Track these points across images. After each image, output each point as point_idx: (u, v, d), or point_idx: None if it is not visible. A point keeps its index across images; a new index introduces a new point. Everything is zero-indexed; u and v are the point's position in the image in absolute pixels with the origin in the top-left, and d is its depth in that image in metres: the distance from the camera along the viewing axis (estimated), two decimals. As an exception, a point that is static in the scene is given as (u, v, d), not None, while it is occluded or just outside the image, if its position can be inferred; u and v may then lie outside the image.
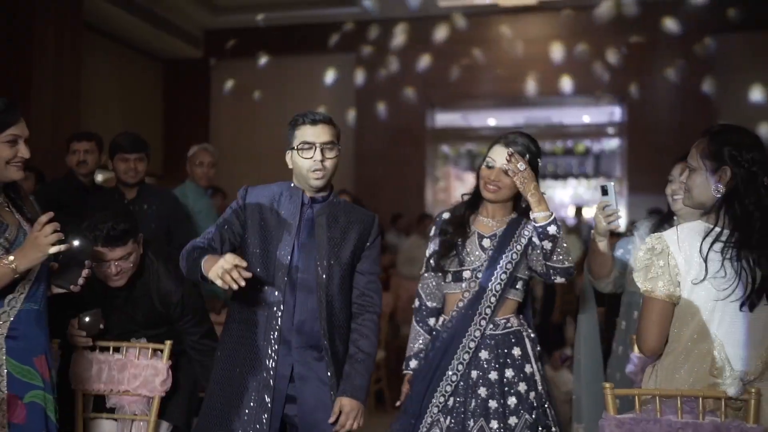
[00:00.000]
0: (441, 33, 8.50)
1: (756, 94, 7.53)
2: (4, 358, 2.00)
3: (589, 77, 8.24)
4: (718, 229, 1.87)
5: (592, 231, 2.52)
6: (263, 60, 9.10)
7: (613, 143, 9.97)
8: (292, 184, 2.34)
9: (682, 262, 1.87)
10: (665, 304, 1.89)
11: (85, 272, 2.11)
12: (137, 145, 3.62)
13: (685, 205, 2.06)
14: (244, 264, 1.99)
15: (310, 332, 2.24)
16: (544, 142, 10.72)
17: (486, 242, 2.39)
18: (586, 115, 10.00)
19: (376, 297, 2.34)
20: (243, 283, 1.98)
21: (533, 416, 2.26)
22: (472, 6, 8.13)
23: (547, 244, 2.21)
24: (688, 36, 7.82)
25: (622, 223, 5.68)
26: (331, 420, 2.22)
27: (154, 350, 2.50)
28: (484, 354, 2.31)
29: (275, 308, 2.23)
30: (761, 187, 1.86)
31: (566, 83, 8.36)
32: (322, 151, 2.25)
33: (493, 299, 2.32)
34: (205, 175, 4.37)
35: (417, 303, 2.49)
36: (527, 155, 2.33)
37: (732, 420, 1.76)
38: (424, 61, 8.59)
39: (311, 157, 2.24)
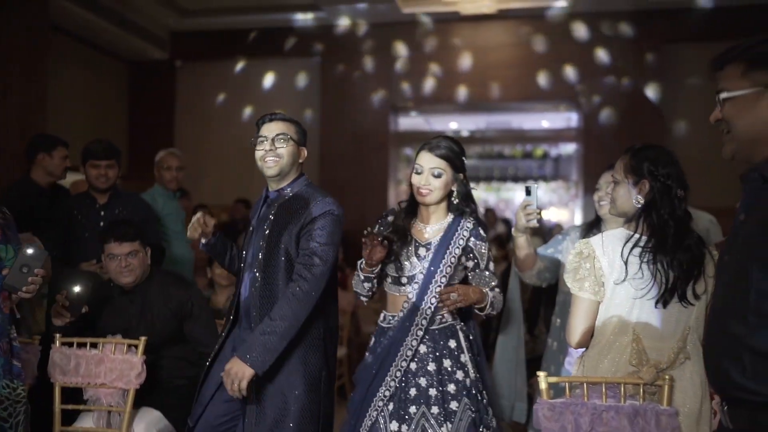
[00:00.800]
0: (404, 39, 8.68)
1: (703, 103, 7.87)
2: None
3: (548, 84, 8.48)
4: (637, 236, 2.13)
5: (513, 228, 2.81)
6: (228, 62, 9.16)
7: (570, 148, 10.25)
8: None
9: (606, 265, 2.11)
10: (591, 302, 2.13)
11: (32, 279, 2.21)
12: (108, 152, 3.74)
13: (611, 214, 2.32)
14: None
15: (247, 311, 2.51)
16: (504, 146, 11.00)
17: (422, 251, 2.53)
18: (545, 121, 10.25)
19: (303, 269, 2.40)
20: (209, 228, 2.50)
21: (469, 400, 2.43)
22: (434, 13, 8.32)
23: (484, 314, 2.51)
24: (641, 46, 8.10)
25: (578, 221, 5.96)
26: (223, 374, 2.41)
27: (129, 345, 2.66)
28: (423, 348, 2.48)
29: (234, 290, 2.59)
30: (675, 199, 2.12)
31: (526, 89, 8.58)
32: (272, 141, 2.49)
33: (429, 311, 2.48)
34: (174, 179, 4.49)
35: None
36: (452, 157, 2.51)
37: (648, 402, 1.99)
38: (388, 66, 8.74)
39: (263, 148, 2.50)
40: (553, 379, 2.14)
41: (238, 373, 2.31)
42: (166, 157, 4.55)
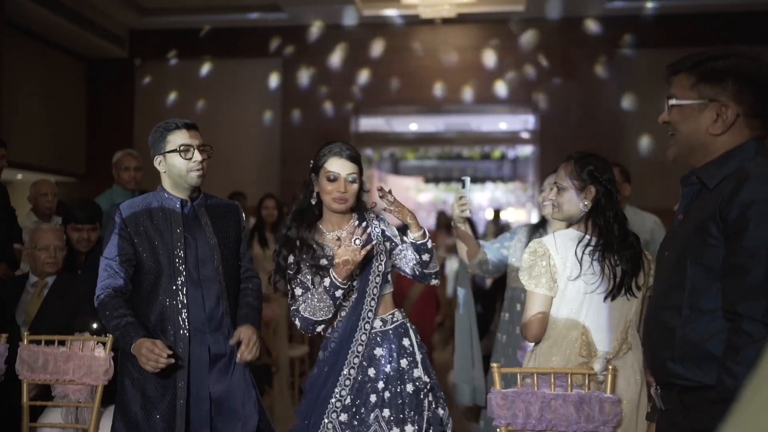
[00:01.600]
0: (365, 41, 8.78)
1: (655, 108, 8.12)
2: None
3: (505, 86, 8.65)
4: (588, 237, 2.29)
5: (453, 220, 2.99)
6: (188, 62, 9.13)
7: (527, 149, 10.46)
8: (163, 192, 2.56)
9: (559, 263, 2.27)
10: (546, 297, 2.28)
11: None
12: (92, 216, 3.76)
13: (555, 218, 2.49)
14: (166, 353, 2.31)
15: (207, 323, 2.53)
16: (463, 147, 11.17)
17: None
18: (503, 123, 10.44)
19: (253, 269, 2.74)
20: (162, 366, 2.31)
21: (430, 396, 2.42)
22: (394, 16, 8.44)
23: (426, 256, 2.44)
24: (597, 51, 8.32)
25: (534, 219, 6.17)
26: (233, 342, 2.50)
27: (97, 342, 2.72)
28: (378, 351, 2.40)
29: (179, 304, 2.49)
30: (615, 202, 2.30)
31: (484, 92, 8.73)
32: (199, 151, 2.52)
33: (372, 303, 2.41)
34: (133, 179, 4.51)
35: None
36: (359, 159, 2.51)
37: (593, 391, 2.14)
38: (349, 68, 8.82)
39: (191, 158, 2.50)
40: (506, 370, 2.27)
41: (255, 333, 2.51)
42: (124, 158, 4.59)
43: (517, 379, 2.23)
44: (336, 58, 8.82)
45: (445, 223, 9.00)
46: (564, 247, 2.29)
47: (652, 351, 1.75)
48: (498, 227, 8.99)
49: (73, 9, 8.08)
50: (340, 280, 2.33)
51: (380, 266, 2.44)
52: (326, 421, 2.34)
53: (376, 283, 2.42)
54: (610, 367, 2.17)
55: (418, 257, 2.44)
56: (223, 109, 8.93)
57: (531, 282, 2.30)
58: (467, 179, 2.95)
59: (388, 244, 2.50)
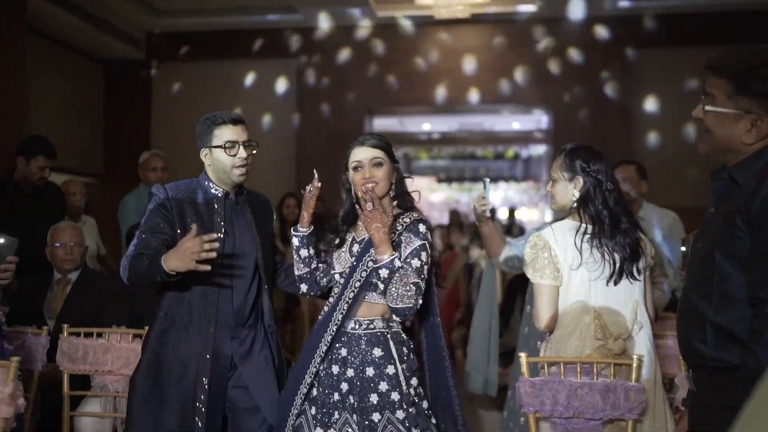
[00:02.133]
0: (380, 41, 8.85)
1: (669, 106, 8.14)
2: None
3: (519, 86, 8.70)
4: (584, 225, 2.40)
5: (477, 220, 3.07)
6: (204, 63, 9.22)
7: (540, 149, 10.52)
8: (207, 182, 2.54)
9: (560, 253, 2.37)
10: (552, 287, 2.38)
11: (4, 266, 2.34)
12: None
13: (552, 209, 2.60)
14: (211, 236, 2.18)
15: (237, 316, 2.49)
16: (476, 147, 11.24)
17: (355, 247, 2.41)
18: (516, 122, 10.50)
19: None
20: (214, 255, 2.17)
21: (397, 415, 2.26)
22: (409, 17, 8.51)
23: (377, 281, 2.27)
24: (609, 50, 8.36)
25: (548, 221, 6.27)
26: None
27: (134, 335, 2.81)
28: (343, 351, 2.33)
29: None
30: (605, 191, 2.40)
31: (498, 92, 8.78)
32: (244, 147, 2.49)
33: (345, 306, 2.31)
34: (159, 179, 4.62)
35: None
36: (386, 146, 2.41)
37: (618, 379, 2.21)
38: (364, 68, 8.87)
39: (236, 155, 2.47)
40: (533, 359, 2.35)
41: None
42: (151, 159, 4.71)
43: (545, 368, 2.30)
44: (350, 59, 8.90)
45: (457, 222, 9.06)
46: (563, 237, 2.40)
47: (685, 335, 1.85)
48: (513, 226, 9.06)
49: (92, 12, 8.18)
50: (298, 227, 2.49)
51: (363, 272, 2.32)
52: (295, 410, 2.32)
53: (354, 288, 2.32)
54: (635, 356, 2.24)
55: (378, 271, 2.27)
56: (239, 110, 9.03)
57: (536, 274, 2.40)
58: (487, 180, 3.09)
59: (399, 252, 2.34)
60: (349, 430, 2.27)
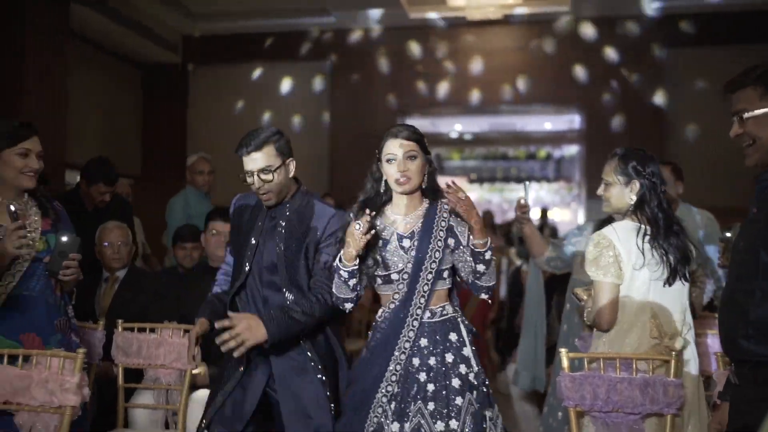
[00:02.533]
0: (412, 43, 8.93)
1: (702, 105, 8.10)
2: None
3: (551, 87, 8.72)
4: (643, 227, 2.46)
5: (519, 222, 3.17)
6: (240, 66, 9.37)
7: (572, 149, 10.51)
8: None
9: (624, 253, 2.42)
10: (615, 285, 2.43)
11: (67, 263, 2.45)
12: (195, 235, 4.02)
13: (606, 211, 2.65)
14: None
15: None
16: (508, 147, 11.27)
17: (406, 242, 2.40)
18: (548, 123, 10.51)
19: (327, 282, 2.47)
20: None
21: (474, 395, 2.33)
22: (441, 18, 8.57)
23: (481, 267, 2.34)
24: (643, 49, 8.34)
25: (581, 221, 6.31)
26: (223, 323, 2.35)
27: (185, 330, 2.92)
28: (423, 341, 2.36)
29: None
30: (660, 194, 2.46)
31: (529, 92, 8.80)
32: (259, 176, 2.49)
33: (422, 300, 2.36)
34: (207, 183, 4.78)
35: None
36: (419, 138, 2.43)
37: (657, 375, 2.27)
38: (397, 70, 8.96)
39: (252, 183, 2.52)
40: (573, 355, 2.41)
41: (253, 330, 2.32)
42: (198, 162, 4.84)
43: (584, 363, 2.36)
44: (382, 61, 8.99)
45: (489, 222, 9.10)
46: (625, 237, 2.45)
47: (727, 330, 1.92)
48: (545, 227, 9.07)
49: (130, 17, 8.37)
50: (344, 260, 2.33)
51: (433, 263, 2.36)
52: (376, 412, 2.31)
53: (427, 280, 2.36)
54: (674, 353, 2.30)
55: (473, 265, 2.35)
56: (273, 113, 9.16)
57: (599, 272, 2.44)
58: (527, 183, 3.23)
59: (452, 240, 2.40)
60: (422, 420, 2.27)
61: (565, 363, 2.37)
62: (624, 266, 2.43)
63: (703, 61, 8.27)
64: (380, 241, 2.40)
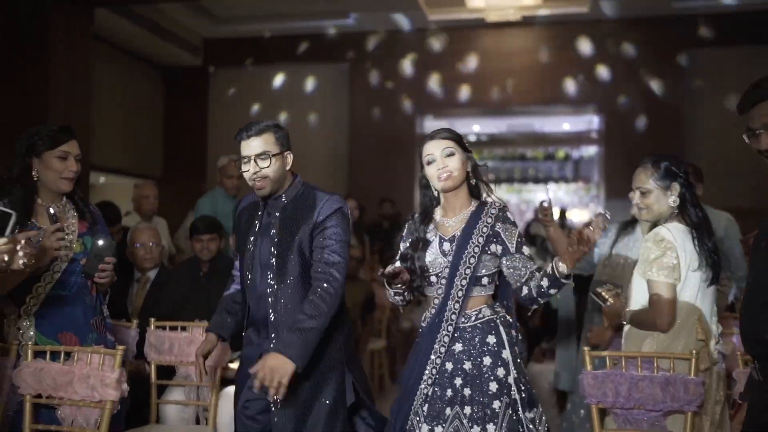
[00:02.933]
0: (431, 45, 8.99)
1: (722, 106, 8.09)
2: (32, 332, 2.51)
3: (570, 88, 8.75)
4: (692, 229, 2.50)
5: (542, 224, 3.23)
6: (260, 68, 9.48)
7: (591, 150, 10.50)
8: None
9: (681, 254, 2.48)
10: (674, 287, 2.47)
11: (102, 266, 2.54)
12: (210, 228, 4.07)
13: (645, 219, 2.67)
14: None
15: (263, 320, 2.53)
16: (527, 148, 11.27)
17: (446, 246, 2.42)
18: (566, 123, 10.52)
19: (328, 268, 2.43)
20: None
21: (512, 397, 2.31)
22: (459, 20, 8.61)
23: (553, 291, 2.29)
24: (662, 50, 8.35)
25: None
26: (252, 370, 2.30)
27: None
28: (458, 346, 2.36)
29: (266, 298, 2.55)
30: (694, 194, 2.52)
31: (547, 93, 8.85)
32: (255, 162, 2.47)
33: (456, 305, 2.36)
34: (235, 186, 4.89)
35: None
36: (456, 137, 2.43)
37: (678, 374, 2.32)
38: (414, 72, 9.03)
39: (248, 169, 2.50)
40: (595, 354, 2.47)
41: (280, 368, 2.26)
42: (228, 166, 4.94)
43: (607, 361, 2.42)
44: (401, 63, 9.06)
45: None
46: (681, 239, 2.49)
47: (751, 328, 1.94)
48: (563, 228, 9.09)
49: (152, 20, 8.49)
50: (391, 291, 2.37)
51: (468, 269, 2.35)
52: (413, 415, 2.34)
53: (462, 285, 2.35)
54: (694, 351, 2.34)
55: (545, 284, 2.27)
56: (294, 114, 9.24)
57: (661, 273, 2.45)
58: (549, 187, 3.29)
59: (498, 247, 2.38)
60: (459, 425, 2.27)
61: (587, 361, 2.42)
62: (682, 268, 2.46)
63: (724, 62, 8.25)
64: (422, 245, 2.42)
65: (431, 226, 2.47)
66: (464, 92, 9.06)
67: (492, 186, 2.49)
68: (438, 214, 2.49)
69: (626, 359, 2.38)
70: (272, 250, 2.49)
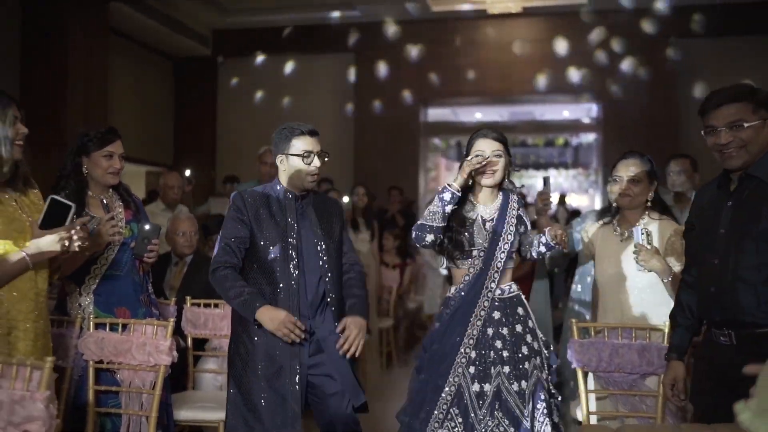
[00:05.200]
0: (434, 35, 9.21)
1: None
2: (91, 307, 2.87)
3: (569, 76, 8.97)
4: None
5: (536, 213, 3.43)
6: (267, 58, 9.70)
7: (590, 137, 10.77)
8: (279, 186, 2.79)
9: None
10: None
11: (150, 247, 2.90)
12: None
13: (627, 207, 3.01)
14: (300, 325, 2.55)
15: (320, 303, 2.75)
16: (527, 135, 11.55)
17: (488, 225, 2.72)
18: (566, 111, 10.76)
19: (355, 256, 2.91)
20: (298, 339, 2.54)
21: (538, 360, 2.63)
22: (462, 11, 8.86)
23: (547, 253, 2.80)
24: (659, 40, 8.53)
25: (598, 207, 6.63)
26: (339, 329, 2.66)
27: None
28: (497, 314, 2.65)
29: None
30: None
31: (547, 82, 9.07)
32: (318, 157, 2.74)
33: (496, 275, 2.66)
34: (268, 173, 4.97)
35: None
36: (505, 141, 2.76)
37: (653, 342, 2.66)
38: (418, 61, 9.24)
39: (310, 162, 2.71)
40: (581, 324, 2.81)
41: (364, 328, 2.70)
42: (265, 154, 5.06)
43: (591, 331, 2.76)
44: (406, 53, 9.27)
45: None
46: None
47: (732, 300, 2.15)
48: (566, 212, 9.36)
49: (162, 11, 8.72)
50: (455, 183, 2.61)
51: (506, 245, 2.69)
52: (455, 373, 2.57)
53: (501, 258, 2.67)
54: (666, 321, 2.67)
55: (543, 250, 2.74)
56: (300, 103, 9.47)
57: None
58: (549, 177, 3.38)
59: (522, 227, 2.77)
60: (501, 382, 2.55)
61: (574, 330, 2.76)
62: None
63: (719, 51, 8.46)
64: (467, 219, 2.72)
65: (468, 207, 2.76)
66: (467, 81, 9.27)
67: (514, 182, 2.87)
68: (473, 198, 2.78)
69: (609, 329, 2.72)
70: (320, 243, 2.75)
